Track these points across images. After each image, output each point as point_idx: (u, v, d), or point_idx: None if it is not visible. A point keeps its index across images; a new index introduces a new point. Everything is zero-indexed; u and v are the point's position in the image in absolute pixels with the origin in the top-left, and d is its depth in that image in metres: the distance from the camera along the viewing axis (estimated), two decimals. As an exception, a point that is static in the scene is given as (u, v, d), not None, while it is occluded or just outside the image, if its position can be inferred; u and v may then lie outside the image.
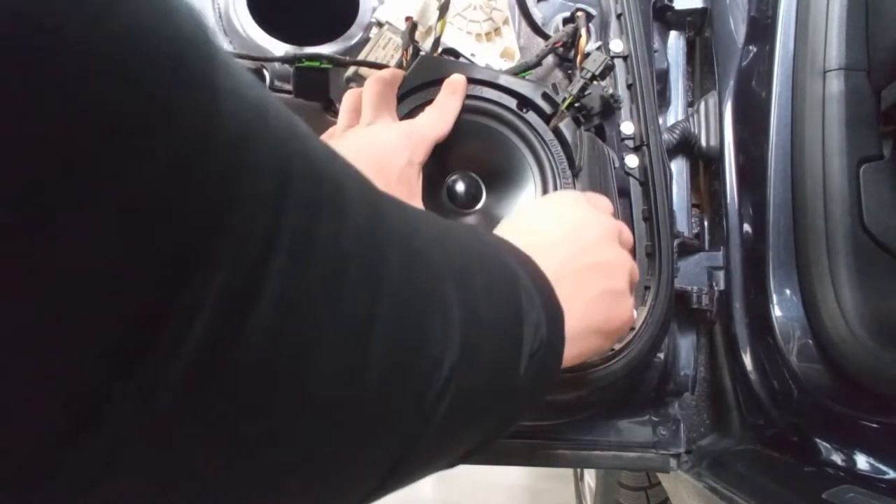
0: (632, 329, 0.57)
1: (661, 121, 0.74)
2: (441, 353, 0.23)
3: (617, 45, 0.66)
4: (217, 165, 0.14)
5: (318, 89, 0.62)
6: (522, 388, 0.29)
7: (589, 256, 0.38)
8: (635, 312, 0.55)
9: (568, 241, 0.38)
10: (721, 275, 0.69)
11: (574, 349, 0.35)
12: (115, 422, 0.13)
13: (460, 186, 0.56)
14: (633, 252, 0.48)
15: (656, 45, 0.77)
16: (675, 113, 0.78)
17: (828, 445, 0.58)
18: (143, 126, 0.12)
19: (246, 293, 0.15)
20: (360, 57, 0.66)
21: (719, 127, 0.74)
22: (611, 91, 0.63)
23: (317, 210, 0.18)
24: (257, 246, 0.15)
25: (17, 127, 0.11)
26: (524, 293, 0.30)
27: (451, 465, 0.31)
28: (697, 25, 0.82)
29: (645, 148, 0.62)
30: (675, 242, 0.66)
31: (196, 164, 0.14)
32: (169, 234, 0.13)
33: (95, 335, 0.13)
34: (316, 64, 0.61)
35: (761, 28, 0.74)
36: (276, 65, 0.64)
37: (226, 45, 0.68)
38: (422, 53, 0.61)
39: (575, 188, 0.55)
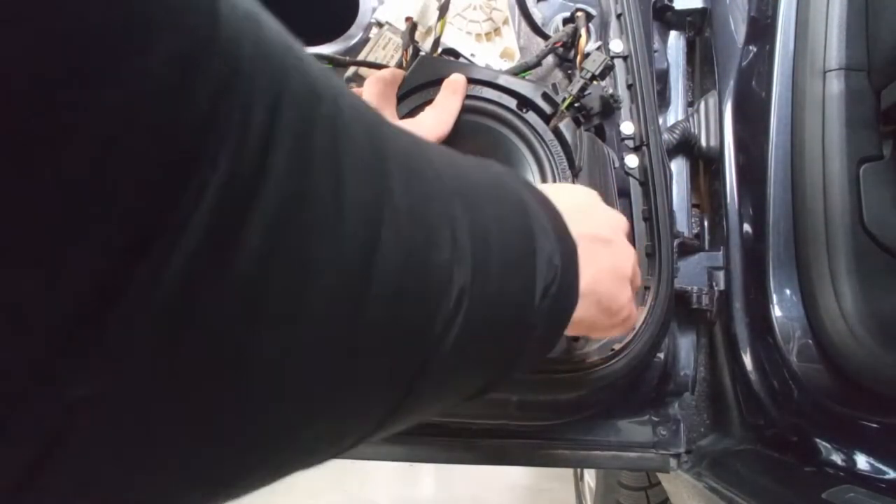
0: (632, 329, 0.57)
1: (661, 121, 0.74)
2: (450, 273, 0.23)
3: (617, 45, 0.66)
4: (216, 63, 0.14)
5: (318, 89, 0.62)
6: (537, 322, 0.29)
7: (601, 232, 0.38)
8: (637, 313, 0.55)
9: (582, 214, 0.37)
10: (721, 275, 0.69)
11: (578, 310, 0.34)
12: (109, 335, 0.13)
13: (460, 186, 0.56)
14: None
15: (656, 45, 0.77)
16: (675, 113, 0.78)
17: (828, 445, 0.58)
18: (149, 23, 0.13)
19: (244, 191, 0.15)
20: (360, 57, 0.66)
21: (719, 127, 0.74)
22: (611, 91, 0.63)
23: (312, 117, 0.18)
24: (255, 144, 0.15)
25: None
26: (536, 224, 0.29)
27: (461, 401, 0.30)
28: (697, 25, 0.82)
29: (645, 148, 0.62)
30: (675, 242, 0.66)
31: (197, 61, 0.14)
32: (170, 130, 0.13)
33: (90, 239, 0.13)
34: (316, 64, 0.61)
35: (761, 28, 0.74)
36: (276, 65, 0.64)
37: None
38: (422, 53, 0.61)
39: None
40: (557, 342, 0.33)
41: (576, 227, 0.34)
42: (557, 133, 0.57)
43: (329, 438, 0.22)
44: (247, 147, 0.15)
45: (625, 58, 0.65)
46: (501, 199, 0.29)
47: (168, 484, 0.17)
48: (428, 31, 0.66)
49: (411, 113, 0.56)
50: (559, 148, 0.56)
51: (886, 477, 0.51)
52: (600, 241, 0.38)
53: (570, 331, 0.37)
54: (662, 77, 0.78)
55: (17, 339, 0.12)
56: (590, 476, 1.62)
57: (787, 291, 0.63)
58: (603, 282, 0.37)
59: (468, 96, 0.56)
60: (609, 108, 0.63)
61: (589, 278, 0.35)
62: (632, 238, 0.59)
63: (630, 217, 0.61)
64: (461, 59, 0.65)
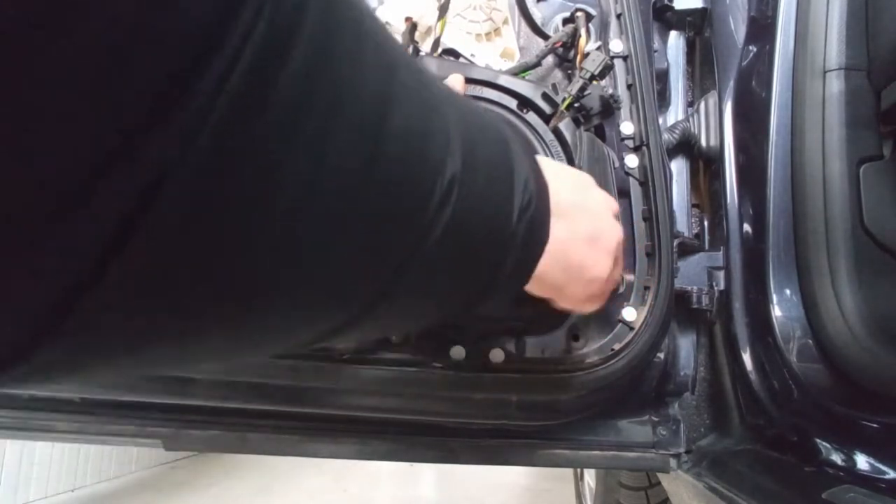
0: (631, 329, 0.57)
1: (661, 121, 0.74)
2: (443, 159, 0.25)
3: (617, 45, 0.66)
4: None
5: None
6: (515, 242, 0.30)
7: (588, 204, 0.39)
8: (622, 285, 0.54)
9: (574, 185, 0.39)
10: (721, 275, 0.70)
11: (545, 264, 0.35)
12: (155, 154, 0.14)
13: (460, 186, 0.56)
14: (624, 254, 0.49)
15: (656, 45, 0.77)
16: (675, 113, 0.78)
17: (828, 445, 0.58)
18: None
19: (281, 44, 0.16)
20: (360, 57, 0.66)
21: (719, 127, 0.74)
22: (611, 91, 0.63)
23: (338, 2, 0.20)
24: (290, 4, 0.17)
25: None
26: (514, 154, 0.32)
27: (437, 317, 0.32)
28: (697, 25, 0.82)
29: (645, 148, 0.62)
30: (675, 242, 0.66)
31: None
32: None
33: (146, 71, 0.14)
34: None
35: (761, 28, 0.74)
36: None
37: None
38: (422, 53, 0.61)
39: None
40: (528, 277, 0.34)
41: (564, 193, 0.36)
42: (557, 133, 0.57)
43: (317, 307, 0.23)
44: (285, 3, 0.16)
45: (625, 58, 0.65)
46: (487, 125, 0.31)
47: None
48: (428, 31, 0.66)
49: None
50: (559, 148, 0.56)
51: (886, 477, 0.51)
52: (585, 209, 0.39)
53: (535, 288, 0.37)
54: (662, 77, 0.78)
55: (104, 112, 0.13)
56: (590, 476, 1.62)
57: (787, 291, 0.63)
58: (576, 244, 0.38)
59: (469, 96, 0.56)
60: (609, 108, 0.63)
61: (562, 236, 0.36)
62: (630, 237, 0.60)
63: (630, 217, 0.61)
64: (461, 59, 0.65)
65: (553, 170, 0.37)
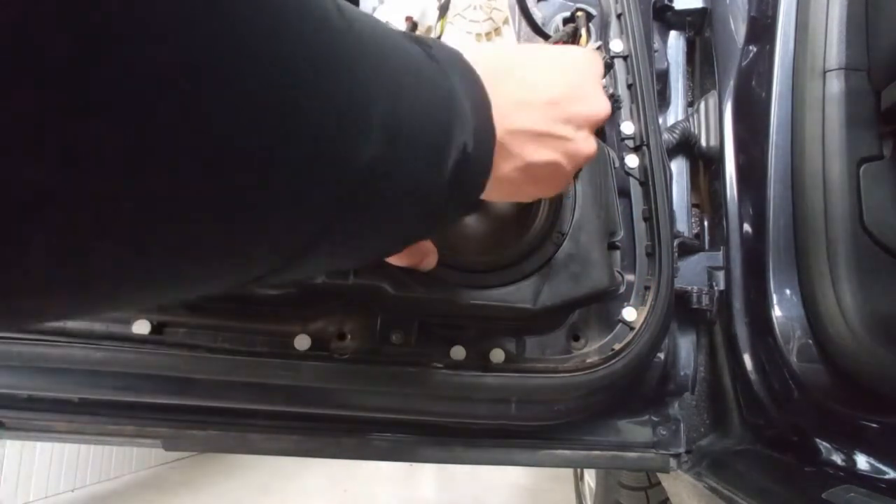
0: (631, 329, 0.57)
1: (661, 121, 0.74)
2: (357, 145, 0.24)
3: (617, 45, 0.66)
4: None
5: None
6: (444, 194, 0.31)
7: (558, 130, 0.38)
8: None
9: (553, 107, 0.38)
10: (721, 275, 0.70)
11: (503, 191, 0.37)
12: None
13: (460, 186, 0.56)
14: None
15: (656, 45, 0.77)
16: (675, 113, 0.79)
17: (828, 445, 0.58)
18: None
19: None
20: (360, 57, 0.66)
21: (719, 127, 0.74)
22: (611, 91, 0.63)
23: None
24: None
25: None
26: (456, 113, 0.31)
27: (363, 260, 0.35)
28: (697, 25, 0.82)
29: (645, 148, 0.62)
30: (675, 242, 0.66)
31: None
32: None
33: None
34: (316, 64, 0.61)
35: (761, 28, 0.74)
36: (276, 65, 0.64)
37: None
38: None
39: (575, 187, 0.55)
40: (466, 209, 0.35)
41: (527, 122, 0.36)
42: (557, 133, 0.56)
43: (242, 257, 0.23)
44: None
45: (625, 57, 0.65)
46: (426, 85, 0.30)
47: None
48: (428, 31, 0.66)
49: None
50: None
51: (886, 477, 0.51)
52: (550, 140, 0.38)
53: (493, 195, 0.38)
54: (662, 77, 0.78)
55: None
56: (590, 476, 1.62)
57: (787, 291, 0.63)
58: (533, 177, 0.38)
59: None
60: (609, 107, 0.63)
61: (509, 175, 0.37)
62: (630, 237, 0.60)
63: (630, 217, 0.61)
64: (461, 59, 0.65)
65: (518, 94, 0.37)
